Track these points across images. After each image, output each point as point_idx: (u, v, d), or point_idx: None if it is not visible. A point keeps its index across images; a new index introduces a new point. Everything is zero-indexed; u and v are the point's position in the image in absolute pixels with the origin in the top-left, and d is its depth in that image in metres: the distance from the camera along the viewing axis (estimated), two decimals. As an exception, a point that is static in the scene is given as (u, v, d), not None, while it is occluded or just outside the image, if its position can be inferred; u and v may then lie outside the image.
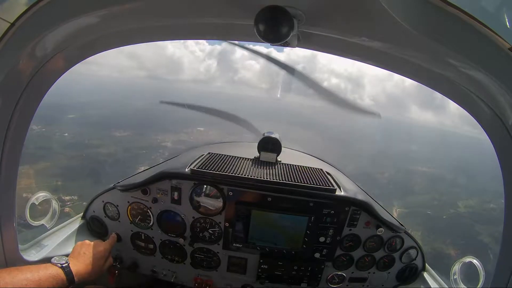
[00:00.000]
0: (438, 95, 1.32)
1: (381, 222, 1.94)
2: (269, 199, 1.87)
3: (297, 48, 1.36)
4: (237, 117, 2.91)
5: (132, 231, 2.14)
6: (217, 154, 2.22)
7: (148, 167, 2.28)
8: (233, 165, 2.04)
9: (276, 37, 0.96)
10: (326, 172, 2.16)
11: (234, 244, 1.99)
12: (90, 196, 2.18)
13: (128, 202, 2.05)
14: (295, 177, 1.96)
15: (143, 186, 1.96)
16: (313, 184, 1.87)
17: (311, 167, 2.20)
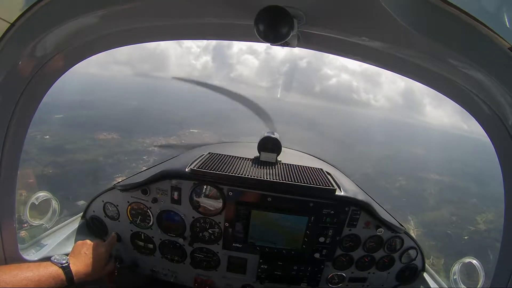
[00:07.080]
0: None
1: (381, 222, 1.94)
2: (269, 199, 1.87)
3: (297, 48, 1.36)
4: (259, 107, 2.80)
5: (132, 231, 2.14)
6: (217, 154, 2.22)
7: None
8: (233, 165, 2.03)
9: (276, 37, 0.96)
10: (326, 172, 2.16)
11: (234, 244, 1.99)
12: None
13: (128, 202, 2.05)
14: (295, 177, 1.96)
15: (143, 186, 1.96)
16: (313, 184, 1.87)
17: (311, 167, 2.20)
